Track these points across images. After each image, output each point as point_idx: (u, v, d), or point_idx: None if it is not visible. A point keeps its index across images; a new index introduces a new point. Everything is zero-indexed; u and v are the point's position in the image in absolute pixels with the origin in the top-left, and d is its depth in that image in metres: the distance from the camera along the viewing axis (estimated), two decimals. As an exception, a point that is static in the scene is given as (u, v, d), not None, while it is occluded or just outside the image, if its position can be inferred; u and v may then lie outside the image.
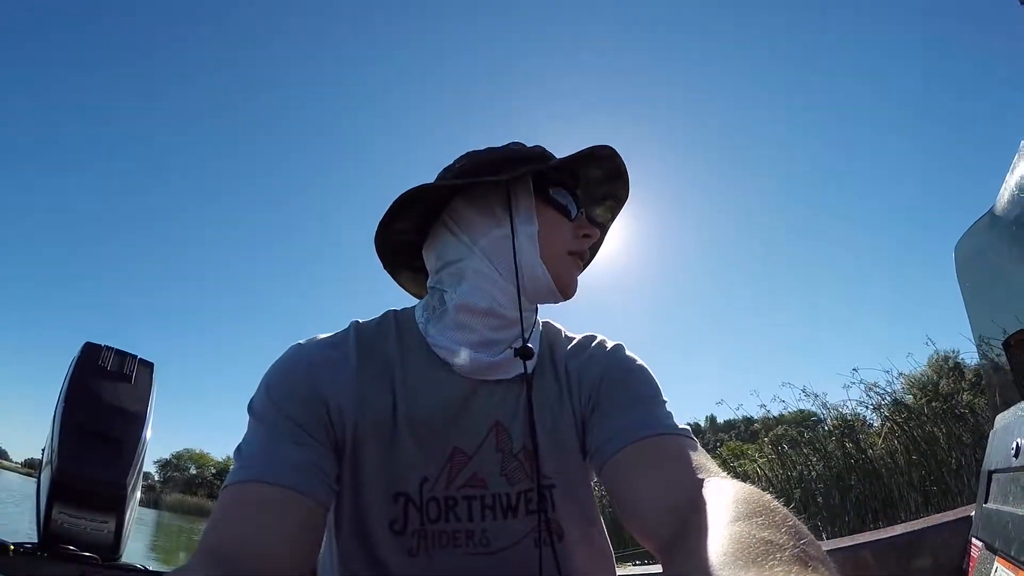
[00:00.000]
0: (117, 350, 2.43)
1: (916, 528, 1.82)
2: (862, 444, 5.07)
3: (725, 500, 0.58)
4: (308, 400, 0.78)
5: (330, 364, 0.82)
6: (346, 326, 0.89)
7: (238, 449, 0.75)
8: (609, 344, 0.92)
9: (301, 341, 0.86)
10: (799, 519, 0.54)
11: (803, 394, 6.02)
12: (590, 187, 0.97)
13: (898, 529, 1.91)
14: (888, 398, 5.38)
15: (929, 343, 5.61)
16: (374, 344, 0.86)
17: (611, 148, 0.88)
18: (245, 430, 0.77)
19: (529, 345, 0.82)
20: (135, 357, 2.46)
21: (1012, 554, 1.08)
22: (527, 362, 0.83)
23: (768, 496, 0.58)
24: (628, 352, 0.91)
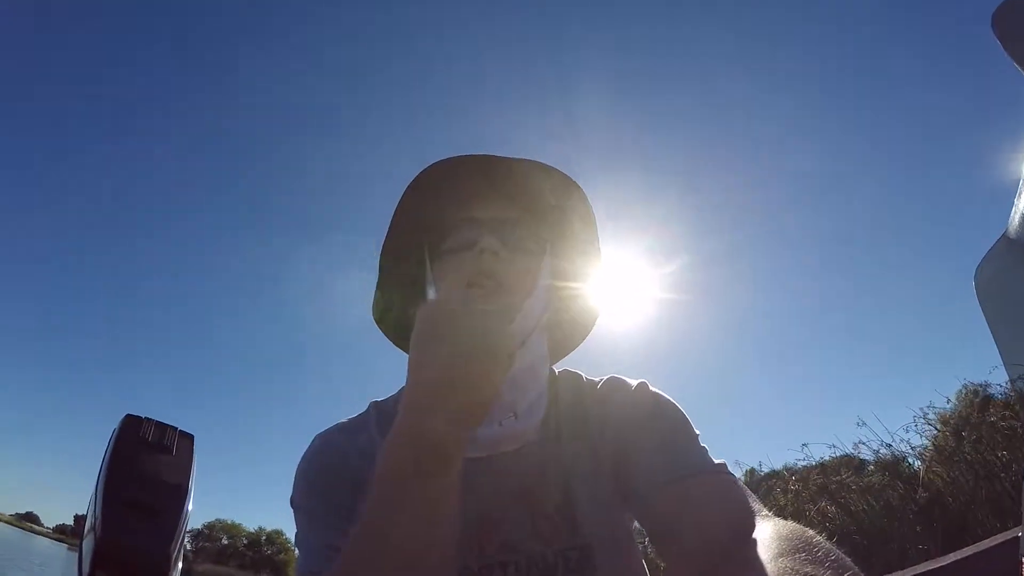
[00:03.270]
0: (157, 422, 2.46)
1: (966, 555, 1.78)
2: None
3: (767, 537, 0.59)
4: (344, 483, 0.78)
5: (357, 447, 0.83)
6: (365, 407, 0.90)
7: (295, 542, 0.78)
8: (632, 384, 0.87)
9: (323, 430, 0.87)
10: (842, 552, 0.54)
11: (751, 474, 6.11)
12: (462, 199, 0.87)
13: (949, 558, 1.87)
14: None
15: (861, 423, 5.49)
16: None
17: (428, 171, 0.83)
18: (293, 525, 0.80)
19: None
20: (175, 429, 2.49)
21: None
22: (532, 421, 0.77)
23: (811, 532, 0.59)
24: (653, 389, 0.86)
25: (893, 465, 4.98)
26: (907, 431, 5.28)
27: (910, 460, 5.05)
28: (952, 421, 5.26)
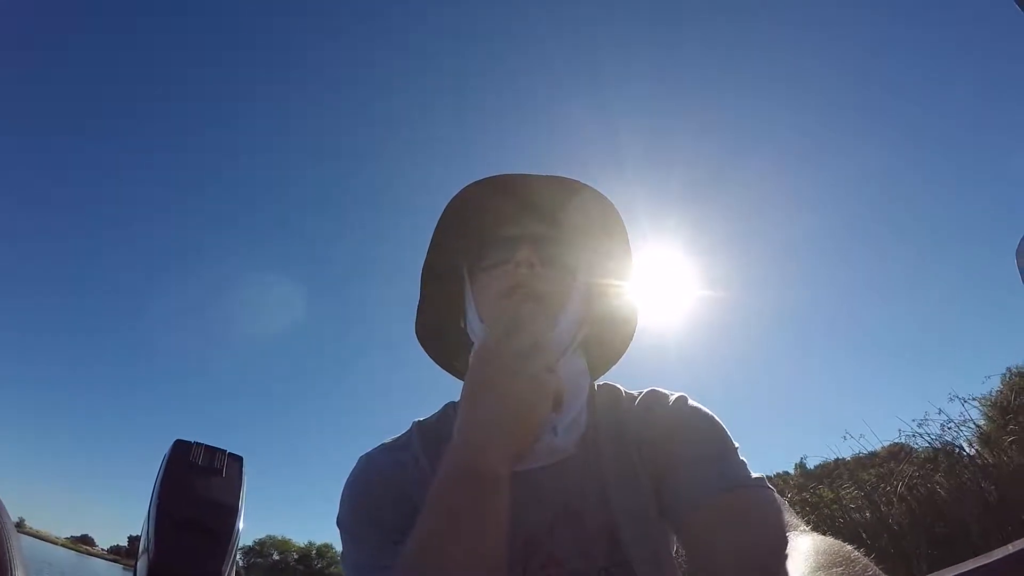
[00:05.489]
0: (207, 446, 2.51)
1: (965, 570, 1.68)
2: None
3: (804, 552, 0.59)
4: (390, 503, 0.79)
5: (401, 467, 0.84)
6: (408, 427, 0.91)
7: (342, 562, 0.80)
8: (672, 397, 0.87)
9: (367, 452, 0.88)
10: (880, 568, 0.55)
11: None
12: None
13: (972, 563, 1.77)
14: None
15: (848, 437, 5.47)
16: (439, 440, 0.84)
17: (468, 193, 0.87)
18: (340, 545, 0.82)
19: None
20: (224, 452, 2.53)
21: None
22: (572, 437, 0.80)
23: (849, 547, 0.59)
24: (692, 403, 0.86)
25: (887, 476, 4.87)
26: (902, 436, 5.29)
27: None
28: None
